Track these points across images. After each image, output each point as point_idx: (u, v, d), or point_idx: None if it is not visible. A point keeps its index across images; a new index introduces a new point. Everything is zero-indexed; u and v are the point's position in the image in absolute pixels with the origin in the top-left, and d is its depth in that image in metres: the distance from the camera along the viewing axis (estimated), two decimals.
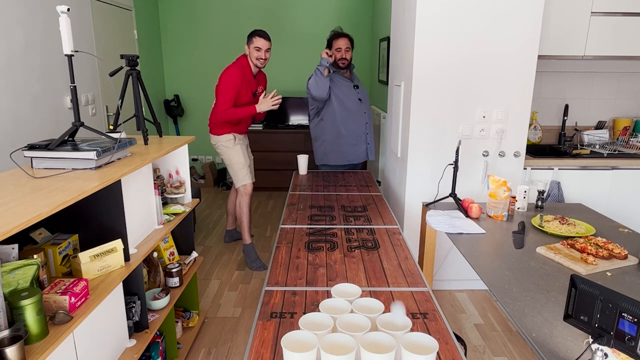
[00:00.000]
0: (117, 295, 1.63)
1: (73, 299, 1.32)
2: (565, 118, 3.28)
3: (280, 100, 3.17)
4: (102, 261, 1.53)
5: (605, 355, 1.05)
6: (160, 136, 2.33)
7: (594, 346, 1.06)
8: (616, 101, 3.42)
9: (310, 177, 3.07)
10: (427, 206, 2.39)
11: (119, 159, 1.77)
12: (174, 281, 2.15)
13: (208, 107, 5.49)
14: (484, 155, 2.80)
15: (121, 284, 1.65)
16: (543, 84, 3.36)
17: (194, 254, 2.42)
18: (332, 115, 3.22)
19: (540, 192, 2.31)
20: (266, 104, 3.13)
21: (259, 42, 3.11)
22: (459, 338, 2.36)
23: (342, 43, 3.16)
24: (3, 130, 2.52)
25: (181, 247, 2.44)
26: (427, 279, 2.52)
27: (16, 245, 1.31)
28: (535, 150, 3.31)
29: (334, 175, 3.10)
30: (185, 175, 2.34)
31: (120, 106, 2.11)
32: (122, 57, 2.12)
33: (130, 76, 2.13)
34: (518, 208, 2.27)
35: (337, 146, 3.28)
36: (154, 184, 2.01)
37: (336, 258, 1.75)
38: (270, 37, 3.18)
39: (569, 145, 3.27)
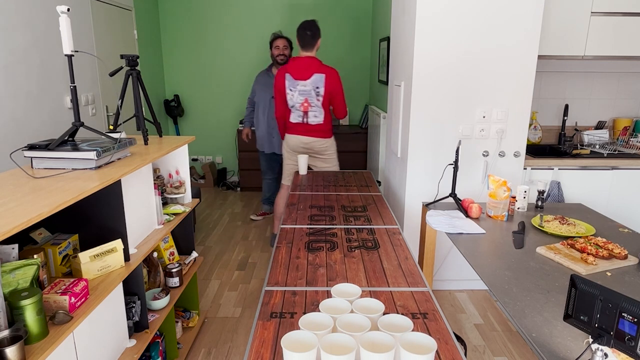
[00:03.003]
0: (117, 295, 1.63)
1: (73, 299, 1.32)
2: (565, 118, 3.28)
3: None
4: (102, 261, 1.53)
5: (605, 355, 1.05)
6: (160, 136, 2.33)
7: (594, 346, 1.06)
8: (616, 101, 3.42)
9: (310, 177, 3.07)
10: (427, 206, 2.39)
11: (119, 159, 1.77)
12: (174, 281, 2.15)
13: (208, 107, 5.50)
14: (484, 155, 2.80)
15: (121, 284, 1.65)
16: (543, 84, 3.36)
17: (194, 254, 2.42)
18: (256, 108, 4.04)
19: (540, 192, 2.31)
20: None
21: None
22: (459, 338, 2.36)
23: (280, 42, 3.79)
24: (3, 130, 2.52)
25: (181, 247, 2.44)
26: (427, 279, 2.52)
27: (16, 245, 1.31)
28: (535, 150, 3.31)
29: (334, 175, 3.10)
30: (185, 175, 2.34)
31: (120, 106, 2.11)
32: (122, 57, 2.12)
33: (130, 76, 2.13)
34: (518, 208, 2.27)
35: (258, 136, 4.05)
36: (154, 184, 2.01)
37: (336, 258, 1.75)
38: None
39: (569, 145, 3.27)
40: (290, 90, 3.18)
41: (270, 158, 4.11)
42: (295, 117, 3.28)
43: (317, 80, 3.13)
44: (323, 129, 3.30)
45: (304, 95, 3.17)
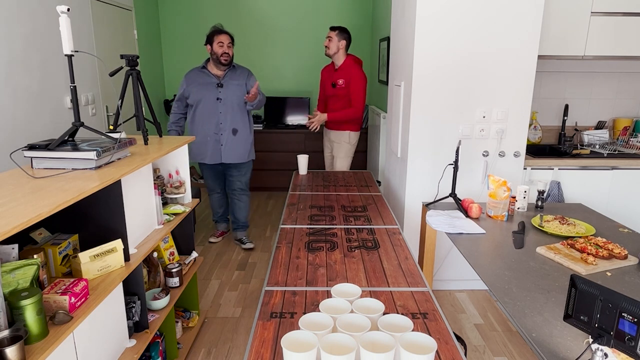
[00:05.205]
0: (117, 295, 1.63)
1: (73, 299, 1.32)
2: (565, 118, 3.28)
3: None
4: (102, 261, 1.53)
5: (605, 355, 1.05)
6: (160, 136, 2.33)
7: (594, 346, 1.06)
8: (616, 101, 3.42)
9: (310, 177, 3.07)
10: (427, 206, 2.39)
11: (119, 159, 1.77)
12: (174, 281, 2.15)
13: None
14: (484, 155, 2.80)
15: (121, 284, 1.65)
16: (543, 84, 3.36)
17: (194, 254, 2.42)
18: (191, 113, 3.35)
19: (540, 192, 2.31)
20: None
21: None
22: (459, 338, 2.36)
23: (224, 39, 3.21)
24: (3, 130, 2.52)
25: (181, 247, 2.44)
26: (427, 279, 2.52)
27: (16, 245, 1.30)
28: (535, 150, 3.31)
29: (334, 175, 3.10)
30: (185, 175, 2.34)
31: (120, 106, 2.11)
32: (122, 57, 2.12)
33: (130, 76, 2.13)
34: (518, 208, 2.27)
35: (195, 144, 3.37)
36: (154, 184, 2.01)
37: (336, 258, 1.75)
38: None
39: (569, 145, 3.27)
40: None
41: (214, 169, 3.52)
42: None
43: None
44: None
45: None
